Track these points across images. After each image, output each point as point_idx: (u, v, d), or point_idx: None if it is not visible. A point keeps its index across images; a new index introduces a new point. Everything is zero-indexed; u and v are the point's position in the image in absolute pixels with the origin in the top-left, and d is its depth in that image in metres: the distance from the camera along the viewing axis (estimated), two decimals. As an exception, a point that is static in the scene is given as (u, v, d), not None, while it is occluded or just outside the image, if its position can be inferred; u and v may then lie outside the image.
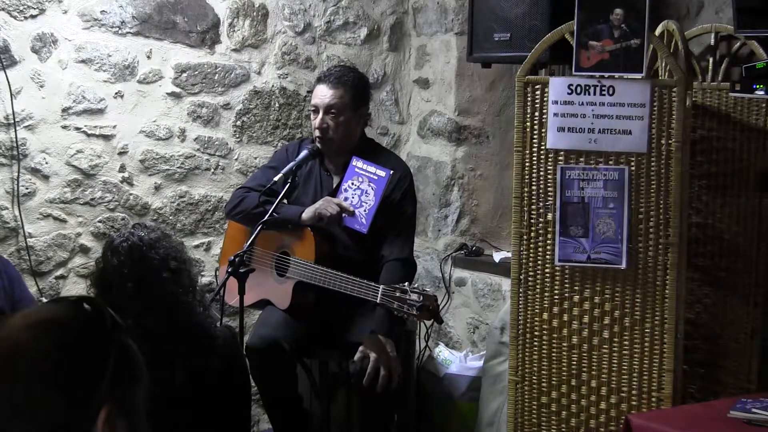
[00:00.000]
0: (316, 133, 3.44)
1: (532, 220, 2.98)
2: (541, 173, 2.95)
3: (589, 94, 2.88)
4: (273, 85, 4.25)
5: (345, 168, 3.41)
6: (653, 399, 2.88)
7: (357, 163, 3.38)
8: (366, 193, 3.34)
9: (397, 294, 3.02)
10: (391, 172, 3.34)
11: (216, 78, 4.12)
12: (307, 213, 3.34)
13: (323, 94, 3.42)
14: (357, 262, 3.35)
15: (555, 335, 2.98)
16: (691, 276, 3.08)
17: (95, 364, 1.23)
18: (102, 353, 1.23)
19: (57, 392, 1.20)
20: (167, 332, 2.48)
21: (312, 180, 3.54)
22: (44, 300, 3.79)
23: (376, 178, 3.34)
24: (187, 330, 2.55)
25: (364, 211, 3.32)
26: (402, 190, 3.45)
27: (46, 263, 3.88)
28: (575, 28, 2.83)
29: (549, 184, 2.94)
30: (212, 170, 4.16)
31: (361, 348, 3.16)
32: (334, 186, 3.46)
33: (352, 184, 3.37)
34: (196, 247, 4.14)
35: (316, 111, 3.44)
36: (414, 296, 3.00)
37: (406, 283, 3.05)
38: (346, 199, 3.36)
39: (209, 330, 2.63)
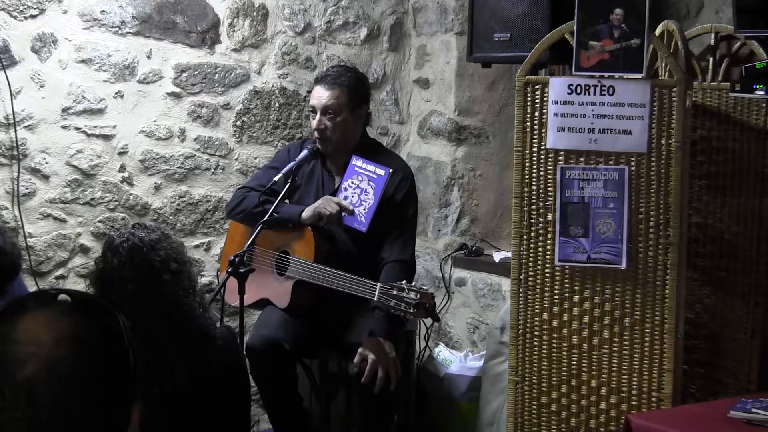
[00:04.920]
0: (315, 134, 3.45)
1: (532, 220, 2.97)
2: (541, 173, 2.95)
3: (589, 94, 2.87)
4: (273, 85, 4.25)
5: (346, 168, 3.42)
6: (653, 399, 2.88)
7: (356, 161, 3.38)
8: (365, 191, 3.34)
9: (395, 292, 3.03)
10: (391, 171, 3.34)
11: (216, 78, 4.13)
12: (307, 212, 3.34)
13: (320, 95, 3.43)
14: (357, 261, 3.35)
15: (555, 335, 2.98)
16: (691, 276, 3.08)
17: (124, 369, 1.23)
18: (126, 356, 1.23)
19: (101, 405, 1.19)
20: (167, 333, 2.48)
21: (314, 180, 3.54)
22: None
23: (375, 176, 3.34)
24: (187, 331, 2.55)
25: (364, 210, 3.32)
26: (404, 191, 3.45)
27: (46, 263, 3.88)
28: (575, 28, 2.83)
29: (549, 184, 2.94)
30: (212, 170, 4.16)
31: (360, 349, 3.16)
32: (336, 186, 3.46)
33: (352, 182, 3.38)
34: (196, 247, 4.14)
35: (314, 112, 3.45)
36: (411, 294, 3.00)
37: (404, 281, 3.06)
38: (345, 198, 3.37)
39: (209, 331, 2.63)
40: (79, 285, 3.89)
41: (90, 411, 1.18)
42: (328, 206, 3.32)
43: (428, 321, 4.15)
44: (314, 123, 3.44)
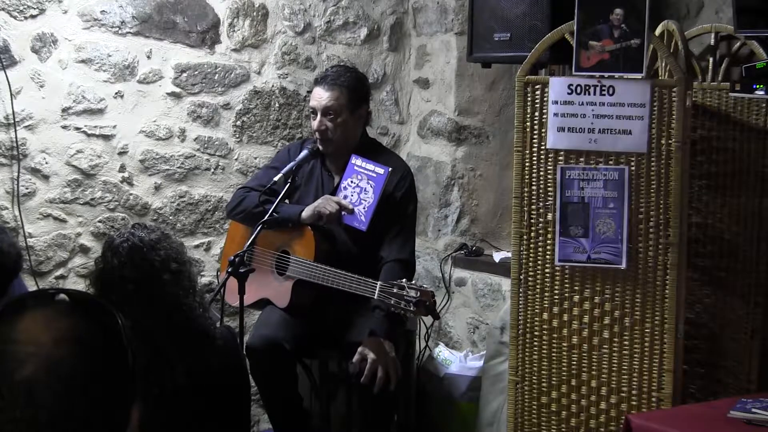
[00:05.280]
0: (316, 135, 3.46)
1: (532, 220, 2.98)
2: (541, 173, 2.95)
3: (589, 94, 2.87)
4: (273, 85, 4.25)
5: (345, 167, 3.42)
6: (653, 399, 2.88)
7: (356, 161, 3.39)
8: (365, 190, 3.34)
9: (395, 290, 3.02)
10: (390, 169, 3.35)
11: (216, 78, 4.12)
12: (307, 211, 3.34)
13: (320, 97, 3.43)
14: (357, 260, 3.35)
15: (555, 335, 2.98)
16: (691, 276, 3.08)
17: (123, 369, 1.23)
18: (125, 356, 1.23)
19: (101, 404, 1.19)
20: (167, 333, 2.48)
21: (313, 180, 3.55)
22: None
23: (374, 175, 3.34)
24: (187, 331, 2.55)
25: (364, 208, 3.33)
26: (402, 189, 3.45)
27: (46, 263, 3.88)
28: (575, 28, 2.83)
29: (549, 184, 2.94)
30: (212, 170, 4.16)
31: (359, 349, 3.16)
32: (335, 185, 3.47)
33: (352, 182, 3.38)
34: (196, 247, 4.14)
35: (314, 113, 3.46)
36: (411, 292, 3.00)
37: (404, 280, 3.06)
38: (345, 197, 3.37)
39: (209, 331, 2.63)
40: (79, 285, 3.89)
41: (89, 411, 1.18)
42: (328, 205, 3.32)
43: (428, 321, 4.16)
44: (315, 124, 3.44)
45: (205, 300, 2.76)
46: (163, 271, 2.52)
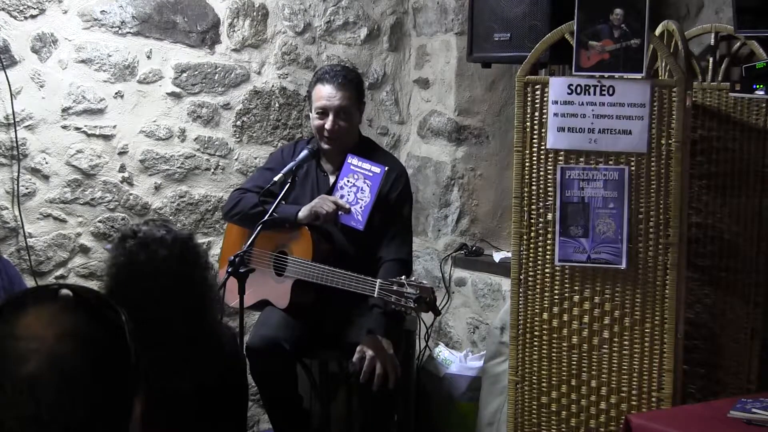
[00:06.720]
0: (326, 134, 3.42)
1: (532, 220, 2.98)
2: (541, 173, 2.95)
3: (589, 94, 2.88)
4: (273, 85, 4.25)
5: (341, 167, 3.41)
6: (653, 399, 2.88)
7: (352, 160, 3.38)
8: (361, 190, 3.34)
9: (395, 288, 3.02)
10: (386, 168, 3.34)
11: (216, 78, 4.12)
12: (304, 212, 3.33)
13: (332, 96, 3.39)
14: (354, 259, 3.35)
15: (555, 335, 2.98)
16: (691, 276, 3.08)
17: (126, 364, 1.23)
18: (127, 351, 1.23)
19: (103, 399, 1.19)
20: (183, 334, 2.43)
21: (309, 180, 3.53)
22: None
23: (371, 174, 3.34)
24: (198, 333, 2.52)
25: (360, 208, 3.32)
26: (398, 189, 3.44)
27: (46, 263, 3.88)
28: (575, 28, 2.83)
29: (549, 184, 2.94)
30: (212, 170, 4.16)
31: (358, 348, 3.16)
32: (331, 185, 3.46)
33: (348, 181, 3.38)
34: (196, 247, 4.13)
35: (324, 113, 3.42)
36: (411, 289, 2.99)
37: (403, 277, 3.05)
38: (342, 196, 3.36)
39: (214, 333, 2.61)
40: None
41: (92, 405, 1.18)
42: (325, 205, 3.32)
43: (428, 321, 4.16)
44: (328, 124, 3.39)
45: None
46: (199, 269, 2.45)
